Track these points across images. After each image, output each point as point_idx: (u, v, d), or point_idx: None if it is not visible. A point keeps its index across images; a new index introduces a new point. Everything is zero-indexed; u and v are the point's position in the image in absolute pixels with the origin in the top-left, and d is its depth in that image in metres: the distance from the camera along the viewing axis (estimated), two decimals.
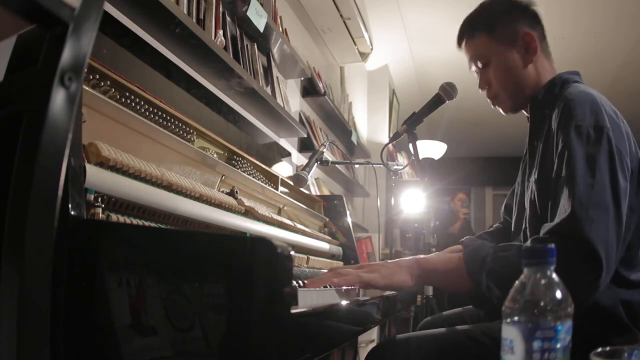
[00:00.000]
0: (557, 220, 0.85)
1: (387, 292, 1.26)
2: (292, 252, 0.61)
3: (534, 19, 1.13)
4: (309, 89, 3.09)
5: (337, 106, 3.39)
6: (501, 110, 1.19)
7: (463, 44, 1.19)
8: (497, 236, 1.36)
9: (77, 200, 0.65)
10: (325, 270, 1.01)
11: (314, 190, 2.77)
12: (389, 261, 0.97)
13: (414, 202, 3.34)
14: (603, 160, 0.86)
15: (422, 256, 1.00)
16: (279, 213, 1.54)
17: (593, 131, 0.88)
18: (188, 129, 1.15)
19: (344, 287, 0.99)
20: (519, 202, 1.18)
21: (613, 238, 0.82)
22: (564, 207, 0.85)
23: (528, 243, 0.88)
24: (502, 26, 1.12)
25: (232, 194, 1.18)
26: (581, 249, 0.80)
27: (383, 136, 4.36)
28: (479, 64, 1.16)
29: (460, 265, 0.90)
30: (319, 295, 0.87)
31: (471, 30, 1.17)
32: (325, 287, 0.94)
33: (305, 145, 2.94)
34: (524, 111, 1.18)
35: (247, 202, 1.22)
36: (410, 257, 0.98)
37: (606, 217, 0.82)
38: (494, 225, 1.41)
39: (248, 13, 1.95)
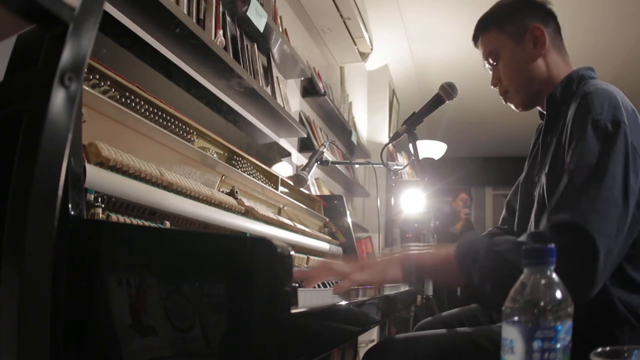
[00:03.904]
0: (561, 212, 0.84)
1: (387, 292, 1.26)
2: (292, 252, 0.61)
3: (547, 16, 1.15)
4: (309, 89, 3.09)
5: (337, 106, 3.39)
6: (513, 107, 1.20)
7: (478, 42, 1.21)
8: None
9: (77, 200, 0.65)
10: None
11: (314, 190, 2.77)
12: (380, 257, 0.96)
13: (414, 202, 3.34)
14: (618, 156, 0.86)
15: (414, 250, 0.99)
16: (279, 213, 1.54)
17: (611, 125, 0.88)
18: (188, 129, 1.15)
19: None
20: (525, 199, 1.17)
21: (616, 234, 0.81)
22: (570, 198, 0.85)
23: (524, 237, 0.87)
24: (512, 21, 1.14)
25: (232, 194, 1.18)
26: (581, 243, 0.79)
27: (383, 136, 4.36)
28: (491, 61, 1.18)
29: (451, 260, 0.88)
30: (319, 295, 0.87)
31: (483, 27, 1.19)
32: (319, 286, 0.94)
33: (305, 145, 2.93)
34: (538, 107, 1.18)
35: (247, 202, 1.22)
36: (402, 251, 0.97)
37: (612, 212, 0.81)
38: (493, 227, 1.39)
39: (248, 13, 1.95)
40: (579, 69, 1.10)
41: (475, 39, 1.21)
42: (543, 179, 1.03)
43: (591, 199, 0.82)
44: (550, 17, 1.15)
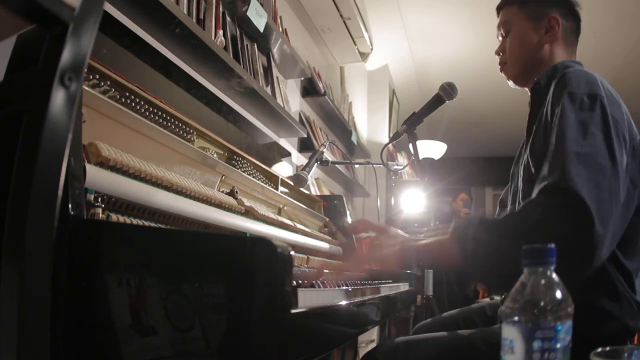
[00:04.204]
0: (547, 178, 0.83)
1: (387, 292, 1.26)
2: (292, 252, 0.61)
3: (569, 14, 1.18)
4: (309, 89, 3.09)
5: (337, 106, 3.39)
6: (505, 77, 1.24)
7: (500, 12, 1.26)
8: None
9: (77, 200, 0.65)
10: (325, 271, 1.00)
11: (314, 190, 2.77)
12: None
13: (414, 202, 3.34)
14: (596, 126, 0.85)
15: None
16: (279, 213, 1.54)
17: (587, 98, 0.89)
18: (188, 129, 1.15)
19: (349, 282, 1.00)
20: (514, 189, 1.19)
21: (608, 198, 0.78)
22: (553, 165, 0.84)
23: (520, 206, 0.86)
24: (535, 5, 1.18)
25: (232, 194, 1.18)
26: (570, 203, 0.76)
27: (383, 136, 4.36)
28: (502, 31, 1.23)
29: (449, 235, 0.88)
30: (319, 295, 0.87)
31: (508, 0, 1.24)
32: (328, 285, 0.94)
33: (305, 145, 2.93)
34: (527, 90, 1.20)
35: (247, 202, 1.22)
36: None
37: (598, 177, 0.80)
38: None
39: (248, 13, 1.95)
40: (565, 60, 1.13)
41: (498, 9, 1.26)
42: (526, 158, 1.04)
43: (573, 163, 0.81)
44: (572, 16, 1.19)
